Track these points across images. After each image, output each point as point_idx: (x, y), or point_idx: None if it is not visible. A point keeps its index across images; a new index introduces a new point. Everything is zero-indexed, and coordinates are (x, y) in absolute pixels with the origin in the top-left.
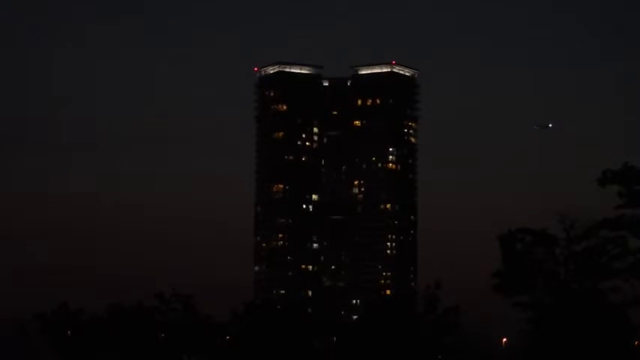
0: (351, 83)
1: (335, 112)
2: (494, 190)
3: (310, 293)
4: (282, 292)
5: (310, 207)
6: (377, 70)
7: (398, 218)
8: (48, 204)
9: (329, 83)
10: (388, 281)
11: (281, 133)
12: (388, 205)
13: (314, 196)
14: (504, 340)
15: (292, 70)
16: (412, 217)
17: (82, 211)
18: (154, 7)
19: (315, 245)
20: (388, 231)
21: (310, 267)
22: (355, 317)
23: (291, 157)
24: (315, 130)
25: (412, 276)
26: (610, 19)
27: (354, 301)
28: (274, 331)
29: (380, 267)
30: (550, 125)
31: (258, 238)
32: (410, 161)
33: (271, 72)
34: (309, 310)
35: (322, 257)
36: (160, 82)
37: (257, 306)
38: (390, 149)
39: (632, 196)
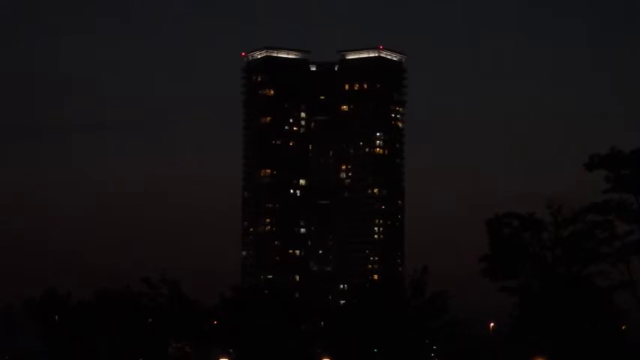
0: (338, 68)
1: (322, 97)
2: (482, 175)
3: (297, 278)
4: (270, 276)
5: (297, 192)
6: (364, 54)
7: (385, 203)
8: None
9: (316, 68)
10: (375, 266)
11: (268, 118)
12: (375, 190)
13: (301, 181)
14: (492, 324)
15: (279, 55)
16: (399, 201)
17: (78, 196)
18: None
19: (302, 230)
20: (375, 216)
21: (297, 252)
22: (343, 302)
23: (278, 142)
24: (303, 114)
25: (399, 261)
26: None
27: (342, 286)
28: (262, 316)
29: (367, 252)
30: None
31: (246, 223)
32: (397, 146)
33: (258, 57)
34: (297, 294)
35: (309, 242)
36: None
37: (244, 291)
38: (378, 134)
39: (620, 181)
